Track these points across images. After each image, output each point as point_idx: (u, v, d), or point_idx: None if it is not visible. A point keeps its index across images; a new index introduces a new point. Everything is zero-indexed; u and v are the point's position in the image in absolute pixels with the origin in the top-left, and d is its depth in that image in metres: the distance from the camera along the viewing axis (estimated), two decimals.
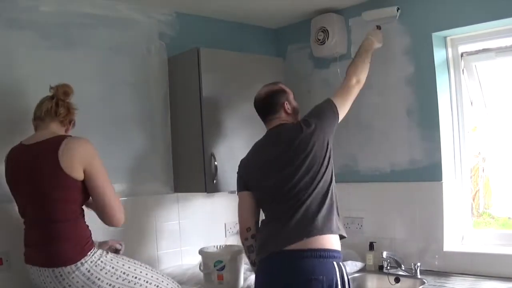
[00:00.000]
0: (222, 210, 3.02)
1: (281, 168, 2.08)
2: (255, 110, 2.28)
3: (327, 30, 2.90)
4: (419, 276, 2.52)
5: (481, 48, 2.61)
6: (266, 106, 2.23)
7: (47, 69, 2.36)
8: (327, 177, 2.08)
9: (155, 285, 2.05)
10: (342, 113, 2.25)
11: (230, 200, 3.04)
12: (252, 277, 2.68)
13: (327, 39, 2.90)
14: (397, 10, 2.66)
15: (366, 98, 2.88)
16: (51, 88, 2.06)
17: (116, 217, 2.02)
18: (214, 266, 2.49)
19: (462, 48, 2.67)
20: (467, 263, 2.48)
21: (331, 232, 2.01)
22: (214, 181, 2.58)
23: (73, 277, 1.87)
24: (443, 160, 2.60)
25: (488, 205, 2.78)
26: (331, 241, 2.00)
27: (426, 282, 2.44)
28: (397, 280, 2.56)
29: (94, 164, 1.95)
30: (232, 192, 2.84)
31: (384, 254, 2.63)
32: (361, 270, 2.75)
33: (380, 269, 2.70)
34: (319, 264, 1.94)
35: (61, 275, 1.86)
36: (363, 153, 2.90)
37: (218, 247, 2.73)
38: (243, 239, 2.22)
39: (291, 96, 2.27)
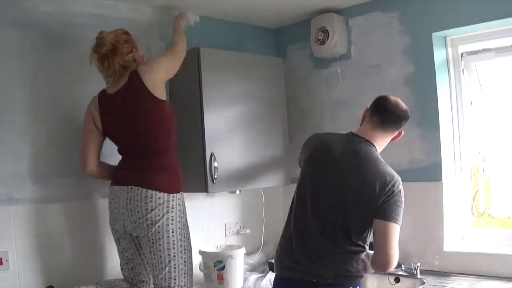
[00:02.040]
0: (222, 210, 3.02)
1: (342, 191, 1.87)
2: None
3: (327, 30, 2.90)
4: (419, 276, 2.52)
5: (481, 48, 2.61)
6: (399, 119, 1.97)
7: (47, 69, 2.36)
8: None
9: (182, 262, 2.16)
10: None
11: (230, 200, 3.05)
12: (252, 277, 2.69)
13: (327, 39, 2.90)
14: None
15: (366, 98, 2.88)
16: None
17: None
18: (214, 266, 2.49)
19: (462, 48, 2.67)
20: (467, 263, 2.48)
21: None
22: (214, 181, 2.58)
23: (159, 203, 2.09)
24: (443, 160, 2.60)
25: (488, 205, 2.78)
26: None
27: (426, 282, 2.44)
28: (397, 280, 2.56)
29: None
30: (232, 192, 2.84)
31: None
32: None
33: None
34: None
35: (151, 197, 2.08)
36: None
37: (218, 247, 2.74)
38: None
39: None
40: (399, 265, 2.62)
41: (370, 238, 1.93)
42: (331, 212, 1.87)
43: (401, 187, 1.89)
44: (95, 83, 2.32)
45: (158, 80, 2.19)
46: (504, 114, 2.67)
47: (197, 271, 2.57)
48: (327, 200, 1.89)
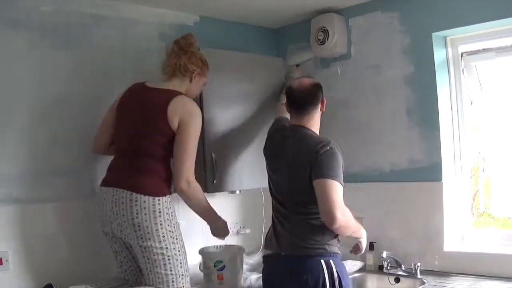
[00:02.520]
0: (222, 210, 2.99)
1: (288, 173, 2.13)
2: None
3: (327, 30, 2.90)
4: (419, 276, 2.53)
5: (481, 48, 2.61)
6: (308, 96, 2.16)
7: (47, 69, 2.36)
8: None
9: (178, 264, 2.13)
10: None
11: (230, 200, 3.04)
12: (252, 277, 2.69)
13: (327, 39, 2.90)
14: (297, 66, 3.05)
15: (366, 98, 2.88)
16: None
17: (183, 178, 2.10)
18: (214, 266, 2.49)
19: (462, 48, 2.67)
20: (467, 263, 2.48)
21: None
22: (214, 181, 2.58)
23: (144, 207, 2.04)
24: (443, 160, 2.60)
25: (488, 205, 2.78)
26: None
27: (426, 282, 2.44)
28: (397, 280, 2.56)
29: (189, 122, 2.12)
30: (232, 192, 2.84)
31: (384, 254, 2.63)
32: (361, 270, 2.75)
33: (380, 269, 2.71)
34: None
35: (136, 201, 2.04)
36: (362, 153, 2.90)
37: (218, 247, 2.74)
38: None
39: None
40: (399, 265, 2.62)
41: None
42: (286, 194, 2.15)
43: (331, 146, 2.05)
44: (95, 83, 2.33)
45: (175, 123, 2.11)
46: (504, 114, 2.67)
47: (197, 271, 2.56)
48: (282, 186, 2.18)
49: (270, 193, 2.28)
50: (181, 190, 2.11)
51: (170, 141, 2.12)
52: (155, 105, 2.13)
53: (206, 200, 2.25)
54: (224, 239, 2.46)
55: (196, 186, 2.14)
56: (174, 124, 2.10)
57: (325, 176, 1.98)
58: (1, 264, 2.18)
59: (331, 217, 1.94)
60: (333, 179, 1.98)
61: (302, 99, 2.15)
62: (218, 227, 2.40)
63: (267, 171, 2.28)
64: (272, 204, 2.26)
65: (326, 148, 2.03)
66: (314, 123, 2.19)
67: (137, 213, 2.04)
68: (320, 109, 2.20)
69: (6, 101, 2.24)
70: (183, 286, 2.14)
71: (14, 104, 2.27)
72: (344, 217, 1.98)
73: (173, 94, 2.16)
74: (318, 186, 1.99)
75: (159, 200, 2.08)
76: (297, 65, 3.06)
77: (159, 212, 2.07)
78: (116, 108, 2.26)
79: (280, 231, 2.16)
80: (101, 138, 2.33)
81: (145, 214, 2.05)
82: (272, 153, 2.27)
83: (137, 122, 2.16)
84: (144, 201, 2.05)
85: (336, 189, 1.98)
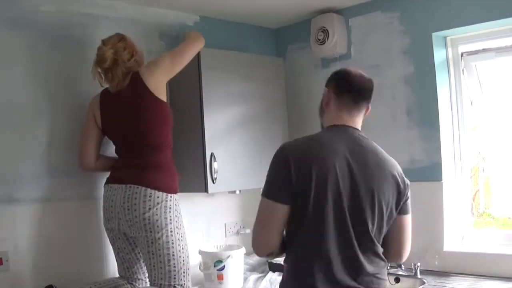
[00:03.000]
0: (222, 210, 3.02)
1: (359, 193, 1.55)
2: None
3: (327, 30, 2.90)
4: (419, 276, 2.52)
5: (481, 48, 2.61)
6: (369, 90, 1.69)
7: (47, 69, 2.36)
8: None
9: (181, 261, 2.16)
10: None
11: (230, 200, 3.04)
12: (252, 277, 2.69)
13: (327, 39, 2.90)
14: None
15: None
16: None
17: None
18: (214, 266, 2.49)
19: (462, 48, 2.67)
20: (467, 263, 2.48)
21: None
22: (214, 181, 2.58)
23: (157, 202, 2.09)
24: (443, 160, 2.60)
25: (488, 205, 2.78)
26: None
27: (426, 282, 2.44)
28: (397, 280, 2.56)
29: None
30: (232, 192, 2.84)
31: None
32: None
33: None
34: None
35: (150, 196, 2.09)
36: None
37: (218, 247, 2.74)
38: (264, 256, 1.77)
39: None
40: (399, 265, 2.62)
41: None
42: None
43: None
44: (95, 82, 2.32)
45: (159, 81, 2.21)
46: (504, 114, 2.66)
47: (197, 271, 2.57)
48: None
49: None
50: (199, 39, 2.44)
51: (168, 116, 2.24)
52: (136, 91, 2.18)
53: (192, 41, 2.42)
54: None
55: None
56: (158, 83, 2.20)
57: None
58: (1, 264, 2.18)
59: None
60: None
61: (365, 94, 1.70)
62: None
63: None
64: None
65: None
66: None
67: (149, 208, 2.09)
68: (365, 112, 1.75)
69: (5, 101, 2.24)
70: (184, 283, 2.15)
71: (13, 104, 2.27)
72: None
73: (136, 75, 2.20)
74: None
75: (171, 196, 2.16)
76: None
77: (170, 208, 2.14)
78: (102, 127, 2.28)
79: None
80: (89, 154, 2.30)
81: (157, 209, 2.10)
82: None
83: (131, 117, 2.19)
84: (158, 197, 2.11)
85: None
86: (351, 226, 1.54)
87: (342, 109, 1.68)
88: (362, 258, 1.55)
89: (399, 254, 1.71)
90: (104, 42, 2.23)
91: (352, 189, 1.54)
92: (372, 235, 1.56)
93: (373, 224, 1.56)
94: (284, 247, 1.61)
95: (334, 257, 1.52)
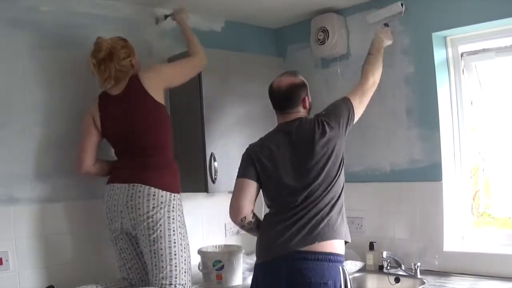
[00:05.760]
0: (222, 210, 2.98)
1: (299, 167, 2.02)
2: (269, 101, 2.19)
3: (327, 30, 2.90)
4: (419, 276, 2.52)
5: (481, 48, 2.61)
6: (286, 99, 2.13)
7: (47, 69, 2.36)
8: (340, 181, 2.06)
9: (183, 260, 2.16)
10: (358, 115, 2.20)
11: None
12: (251, 277, 2.68)
13: (327, 39, 2.90)
14: (402, 6, 2.61)
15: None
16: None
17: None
18: (213, 266, 2.49)
19: (462, 48, 2.67)
20: (467, 263, 2.48)
21: (340, 237, 2.00)
22: (214, 181, 2.58)
23: (161, 202, 2.10)
24: (443, 160, 2.60)
25: (488, 205, 2.78)
26: (340, 246, 2.00)
27: (426, 282, 2.44)
28: (397, 280, 2.56)
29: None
30: (232, 192, 2.84)
31: (384, 254, 2.63)
32: (361, 270, 2.75)
33: (380, 269, 2.70)
34: (329, 268, 1.92)
35: (154, 195, 2.10)
36: (363, 153, 2.90)
37: (217, 247, 2.74)
38: (239, 225, 2.15)
39: (308, 90, 2.19)
40: (399, 265, 2.62)
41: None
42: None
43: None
44: (95, 82, 2.32)
45: (157, 86, 2.23)
46: (504, 114, 2.66)
47: (196, 271, 2.57)
48: None
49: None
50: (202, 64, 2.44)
51: (166, 118, 2.27)
52: (135, 93, 2.20)
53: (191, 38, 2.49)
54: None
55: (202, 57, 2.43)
56: (155, 86, 2.22)
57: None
58: (1, 264, 2.18)
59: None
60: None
61: (281, 103, 2.14)
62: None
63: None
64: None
65: None
66: (303, 114, 2.16)
67: (153, 207, 2.10)
68: (303, 107, 2.14)
69: (6, 101, 2.25)
70: (185, 283, 2.15)
71: (14, 104, 2.27)
72: None
73: (134, 77, 2.23)
74: None
75: (174, 196, 2.17)
76: (386, 24, 2.67)
77: (173, 207, 2.15)
78: (101, 130, 2.27)
79: None
80: (88, 158, 2.28)
81: (161, 208, 2.11)
82: None
83: (132, 118, 2.20)
84: (162, 196, 2.12)
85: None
86: None
87: (279, 117, 2.18)
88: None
89: None
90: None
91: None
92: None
93: None
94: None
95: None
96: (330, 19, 2.91)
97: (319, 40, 2.94)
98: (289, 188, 2.02)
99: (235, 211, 2.09)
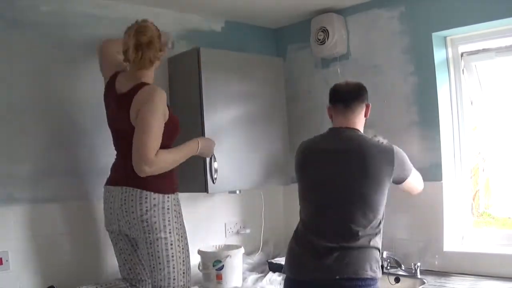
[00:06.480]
0: (222, 210, 3.02)
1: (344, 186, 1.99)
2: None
3: (327, 30, 2.90)
4: (419, 276, 2.52)
5: (481, 48, 2.61)
6: (354, 91, 2.09)
7: (47, 68, 2.36)
8: None
9: (181, 262, 2.14)
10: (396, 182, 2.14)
11: (230, 200, 3.04)
12: (251, 277, 2.69)
13: (327, 39, 2.90)
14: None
15: None
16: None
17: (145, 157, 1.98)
18: (213, 266, 2.49)
19: (462, 48, 2.66)
20: (467, 263, 2.48)
21: None
22: (214, 181, 2.58)
23: (154, 204, 2.07)
24: (443, 160, 2.60)
25: (488, 205, 2.78)
26: None
27: (426, 282, 2.44)
28: (397, 280, 2.56)
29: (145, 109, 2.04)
30: (232, 192, 2.84)
31: (384, 254, 2.62)
32: None
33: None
34: None
35: (146, 198, 2.06)
36: None
37: (217, 247, 2.74)
38: None
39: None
40: (399, 265, 2.62)
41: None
42: None
43: None
44: (95, 83, 2.33)
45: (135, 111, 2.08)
46: (504, 114, 2.66)
47: (196, 271, 2.57)
48: None
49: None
50: (145, 173, 2.00)
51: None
52: (129, 99, 2.09)
53: (175, 151, 2.15)
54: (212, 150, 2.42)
55: (159, 159, 2.01)
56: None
57: None
58: (1, 264, 2.18)
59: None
60: None
61: (349, 95, 2.08)
62: (203, 150, 2.32)
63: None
64: None
65: None
66: (361, 127, 2.13)
67: (146, 210, 2.07)
68: (365, 114, 2.13)
69: (6, 101, 2.25)
70: (184, 285, 2.15)
71: (14, 103, 2.27)
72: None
73: (141, 85, 2.11)
74: None
75: (168, 197, 2.12)
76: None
77: (168, 209, 2.11)
78: (106, 114, 2.22)
79: None
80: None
81: (154, 211, 2.08)
82: None
83: (121, 120, 2.12)
84: (154, 198, 2.08)
85: None
86: None
87: (340, 115, 2.09)
88: None
89: None
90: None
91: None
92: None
93: None
94: None
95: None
96: (330, 19, 2.90)
97: (319, 40, 2.94)
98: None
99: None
